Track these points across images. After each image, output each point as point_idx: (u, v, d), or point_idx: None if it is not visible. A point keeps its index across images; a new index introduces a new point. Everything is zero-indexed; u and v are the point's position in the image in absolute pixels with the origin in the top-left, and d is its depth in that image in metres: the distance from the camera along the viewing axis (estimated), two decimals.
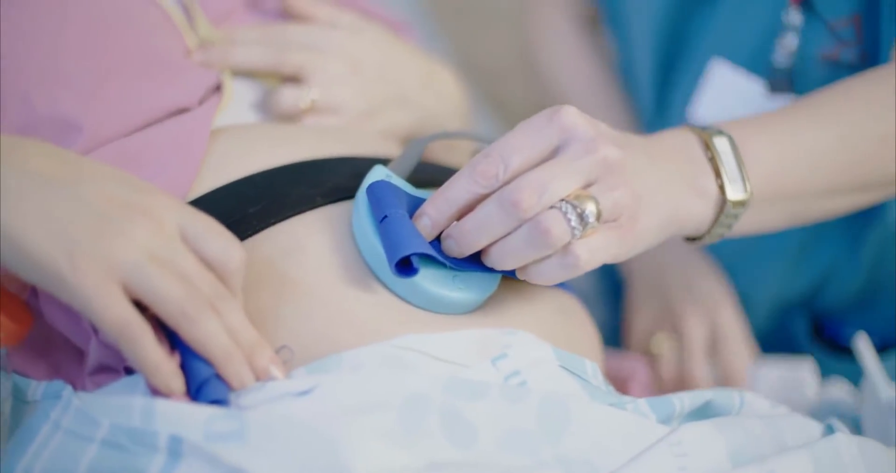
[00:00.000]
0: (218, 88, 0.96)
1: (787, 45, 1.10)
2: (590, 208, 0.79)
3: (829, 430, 0.87)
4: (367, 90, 1.04)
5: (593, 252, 0.80)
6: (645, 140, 0.88)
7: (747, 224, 0.92)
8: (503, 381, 0.80)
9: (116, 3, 0.93)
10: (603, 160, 0.80)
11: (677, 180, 0.86)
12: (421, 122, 1.09)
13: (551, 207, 0.78)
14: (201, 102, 0.93)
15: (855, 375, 1.19)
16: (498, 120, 1.75)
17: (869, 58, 1.08)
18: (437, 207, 0.82)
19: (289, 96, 1.00)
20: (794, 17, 1.09)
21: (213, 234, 0.76)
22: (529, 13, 1.42)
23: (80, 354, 0.80)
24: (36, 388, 0.78)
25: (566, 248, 0.79)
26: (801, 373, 1.14)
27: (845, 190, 0.96)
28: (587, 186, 0.80)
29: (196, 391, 0.74)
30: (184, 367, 0.75)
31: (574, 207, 0.78)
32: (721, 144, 0.88)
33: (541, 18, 1.40)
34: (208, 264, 0.76)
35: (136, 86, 0.89)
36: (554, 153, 0.81)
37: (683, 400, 0.85)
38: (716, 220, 0.89)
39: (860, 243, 1.19)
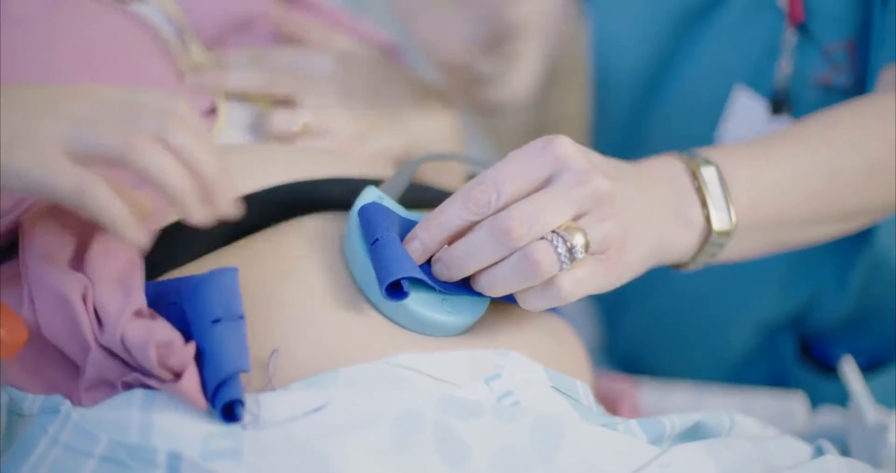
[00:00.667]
0: (212, 111, 0.97)
1: (784, 68, 1.11)
2: (579, 241, 0.79)
3: (819, 452, 0.88)
4: (359, 113, 1.04)
5: (578, 284, 0.80)
6: (634, 169, 0.88)
7: (731, 252, 0.92)
8: (496, 401, 0.81)
9: (110, 27, 0.94)
10: (594, 192, 0.81)
11: (664, 210, 0.87)
12: (412, 144, 1.09)
13: (541, 238, 0.79)
14: None
15: (842, 395, 1.20)
16: (488, 141, 1.75)
17: (862, 83, 1.09)
18: (429, 231, 0.82)
19: (281, 120, 1.00)
20: (791, 38, 1.10)
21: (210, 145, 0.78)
22: None
23: (75, 369, 0.80)
24: (33, 402, 0.78)
25: (552, 279, 0.80)
26: (790, 404, 1.15)
27: (830, 219, 0.97)
28: (577, 217, 0.81)
29: (214, 392, 0.74)
30: (202, 369, 0.75)
31: (564, 239, 0.79)
32: (708, 173, 0.89)
33: None
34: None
35: None
36: (546, 183, 0.81)
37: (674, 421, 0.85)
38: (700, 249, 0.90)
39: (848, 267, 1.20)
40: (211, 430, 0.73)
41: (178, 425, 0.73)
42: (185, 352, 0.75)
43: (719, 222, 0.88)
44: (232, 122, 1.00)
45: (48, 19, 0.91)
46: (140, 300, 0.79)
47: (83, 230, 0.83)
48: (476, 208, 0.80)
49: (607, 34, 1.25)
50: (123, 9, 0.96)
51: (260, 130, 1.01)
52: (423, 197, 0.95)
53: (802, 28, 1.09)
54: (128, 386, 0.77)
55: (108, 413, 0.75)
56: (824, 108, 0.99)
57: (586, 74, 1.75)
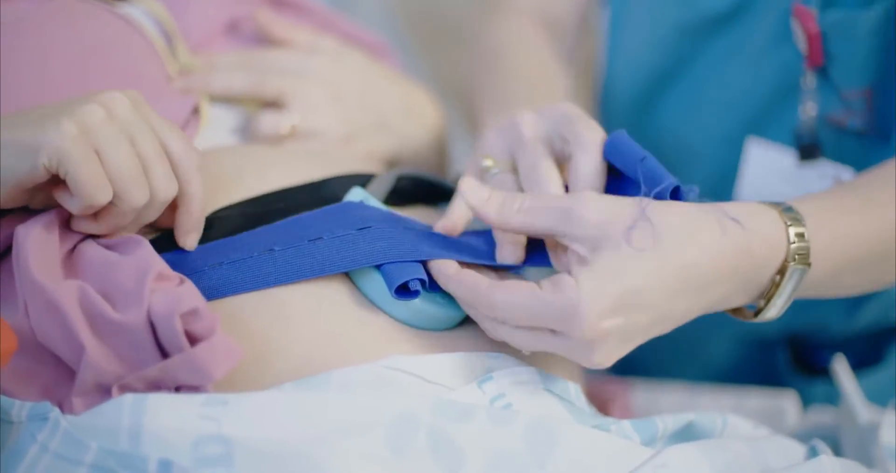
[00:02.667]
0: (196, 112, 0.97)
1: (809, 111, 1.10)
2: None
3: (813, 452, 0.88)
4: (347, 115, 1.04)
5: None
6: (722, 265, 0.80)
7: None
8: (489, 403, 0.81)
9: (99, 31, 0.94)
10: (589, 363, 0.80)
11: (718, 305, 0.83)
12: (399, 145, 1.09)
13: None
14: (184, 126, 0.94)
15: (830, 396, 1.20)
16: (473, 141, 1.75)
17: (876, 130, 1.08)
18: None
19: (269, 122, 1.00)
20: (811, 81, 1.09)
21: (178, 132, 0.82)
22: (493, 12, 1.33)
23: (71, 374, 0.79)
24: (21, 408, 0.77)
25: None
26: (781, 403, 1.15)
27: (874, 281, 0.95)
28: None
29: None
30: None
31: None
32: (794, 275, 0.83)
33: (504, 16, 1.31)
34: (169, 155, 0.82)
35: None
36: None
37: (667, 421, 0.85)
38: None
39: (862, 299, 1.21)
40: (200, 434, 0.73)
41: (169, 430, 0.73)
42: (211, 318, 0.76)
43: (770, 314, 0.85)
44: (218, 124, 1.00)
45: (37, 22, 0.91)
46: (158, 263, 0.79)
47: (73, 234, 0.83)
48: (473, 309, 0.82)
49: (621, 45, 1.25)
50: (112, 11, 0.95)
51: (248, 133, 1.01)
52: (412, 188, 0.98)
53: (821, 71, 1.08)
54: (124, 389, 0.76)
55: (97, 420, 0.74)
56: (840, 149, 1.01)
57: (582, 77, 1.75)
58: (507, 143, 0.92)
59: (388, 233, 0.85)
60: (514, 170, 0.90)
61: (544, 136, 0.90)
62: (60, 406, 0.78)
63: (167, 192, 0.82)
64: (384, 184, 0.96)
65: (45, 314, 0.77)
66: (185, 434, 0.73)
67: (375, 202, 0.90)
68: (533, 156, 0.88)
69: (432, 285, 0.84)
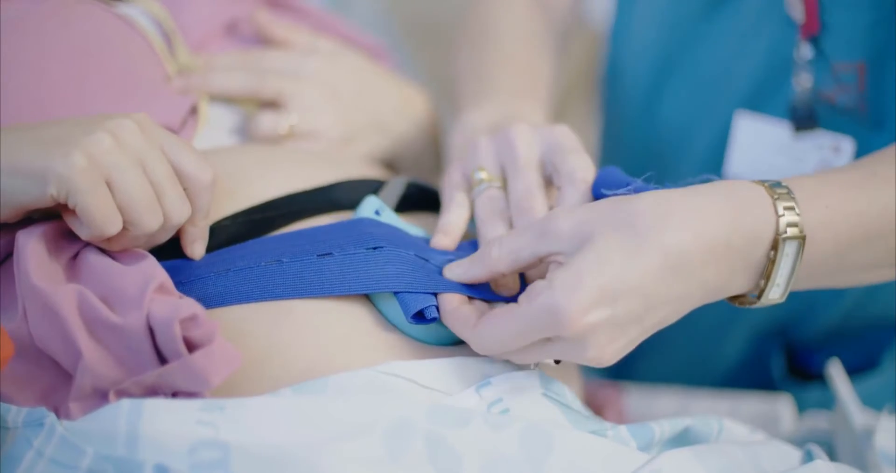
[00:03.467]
0: (194, 113, 0.97)
1: (803, 82, 1.10)
2: None
3: (808, 457, 0.88)
4: (345, 116, 1.04)
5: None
6: (711, 249, 0.79)
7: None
8: (487, 409, 0.80)
9: (98, 31, 0.93)
10: (585, 360, 0.79)
11: (717, 290, 0.81)
12: (395, 146, 1.10)
13: None
14: (183, 126, 0.94)
15: (824, 401, 1.20)
16: (452, 126, 1.75)
17: (868, 108, 1.08)
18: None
19: (268, 122, 1.00)
20: (805, 52, 1.09)
21: (190, 150, 0.82)
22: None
23: (69, 379, 0.79)
24: (17, 414, 0.77)
25: None
26: (776, 407, 1.14)
27: (882, 266, 0.90)
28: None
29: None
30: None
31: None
32: (789, 248, 0.81)
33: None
34: (181, 176, 0.82)
35: (118, 110, 0.89)
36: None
37: (663, 426, 0.85)
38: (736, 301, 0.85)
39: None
40: (196, 440, 0.73)
41: (165, 435, 0.73)
42: (210, 325, 0.75)
43: (773, 295, 0.83)
44: (216, 124, 1.00)
45: (35, 21, 0.91)
46: (161, 275, 0.79)
47: (76, 241, 0.83)
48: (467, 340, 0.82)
49: (624, 28, 1.25)
50: (110, 10, 0.95)
51: (246, 133, 1.01)
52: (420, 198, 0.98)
53: (814, 42, 1.08)
54: (121, 394, 0.76)
55: (93, 426, 0.74)
56: (831, 125, 1.00)
57: (578, 70, 1.75)
58: (500, 158, 0.92)
59: (400, 257, 0.84)
60: (504, 185, 0.91)
61: (537, 159, 0.90)
62: (57, 411, 0.77)
63: (181, 215, 0.82)
64: (395, 191, 0.96)
65: (42, 317, 0.77)
66: (182, 440, 0.72)
67: (390, 213, 0.91)
68: (526, 182, 0.89)
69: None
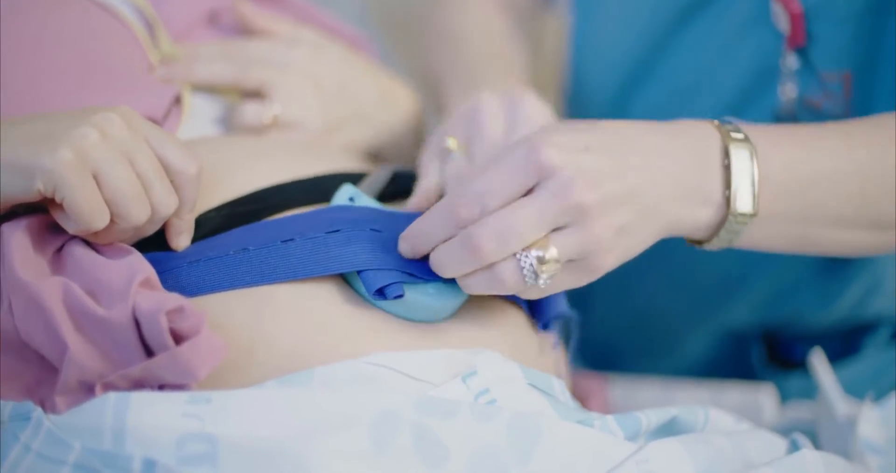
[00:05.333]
0: (177, 103, 0.96)
1: (789, 92, 1.10)
2: (551, 256, 0.79)
3: (794, 446, 0.88)
4: (328, 106, 1.04)
5: (545, 289, 0.82)
6: (655, 135, 0.84)
7: (753, 238, 0.88)
8: (473, 399, 0.80)
9: (80, 20, 0.93)
10: (576, 207, 0.79)
11: (677, 186, 0.84)
12: (378, 136, 1.10)
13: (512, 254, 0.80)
14: (166, 116, 0.93)
15: (805, 389, 1.20)
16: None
17: (853, 116, 1.08)
18: (413, 242, 0.83)
19: (251, 112, 1.00)
20: (791, 62, 1.09)
21: (175, 143, 0.82)
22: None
23: (55, 372, 0.79)
24: (3, 408, 0.76)
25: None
26: (759, 397, 1.15)
27: (860, 224, 0.92)
28: (556, 229, 0.80)
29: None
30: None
31: (533, 259, 0.79)
32: (740, 154, 0.85)
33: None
34: (167, 169, 0.82)
35: (102, 101, 0.89)
36: (530, 191, 0.80)
37: (650, 417, 0.85)
38: (717, 229, 0.86)
39: (835, 294, 1.20)
40: (184, 432, 0.72)
41: (152, 428, 0.72)
42: (197, 317, 0.75)
43: (741, 204, 0.85)
44: (199, 114, 0.99)
45: (17, 11, 0.90)
46: (147, 269, 0.78)
47: (60, 234, 0.82)
48: (461, 223, 0.81)
49: (589, 33, 1.25)
50: (93, 0, 0.94)
51: (229, 123, 1.01)
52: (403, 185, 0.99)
53: (801, 52, 1.08)
54: (108, 388, 0.76)
55: (80, 419, 0.74)
56: None
57: (548, 72, 1.74)
58: (467, 129, 0.96)
59: (358, 237, 0.85)
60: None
61: (500, 132, 0.95)
62: (43, 405, 0.77)
63: (168, 207, 0.82)
64: (379, 180, 0.96)
65: (27, 310, 0.77)
66: (169, 433, 0.72)
67: (366, 199, 0.91)
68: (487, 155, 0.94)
69: (425, 276, 0.84)
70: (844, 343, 1.25)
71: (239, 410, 0.74)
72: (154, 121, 0.91)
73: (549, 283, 0.80)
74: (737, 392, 1.18)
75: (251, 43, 1.03)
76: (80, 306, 0.76)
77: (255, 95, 1.02)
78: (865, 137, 0.91)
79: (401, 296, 0.82)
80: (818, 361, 1.08)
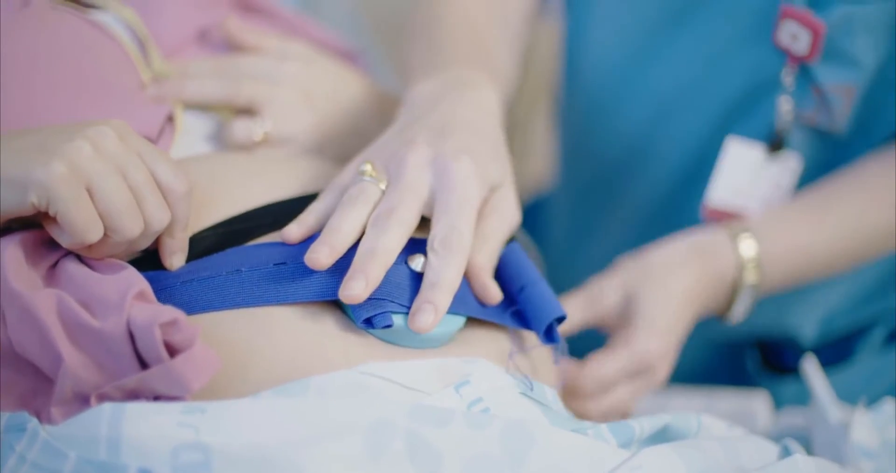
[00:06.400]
0: (170, 120, 0.96)
1: (786, 106, 1.12)
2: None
3: (786, 452, 0.88)
4: (319, 121, 1.04)
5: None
6: (685, 286, 1.07)
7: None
8: (466, 408, 0.81)
9: (73, 38, 0.93)
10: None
11: (699, 311, 1.10)
12: None
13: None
14: (159, 134, 0.93)
15: (798, 395, 1.20)
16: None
17: (849, 130, 1.10)
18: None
19: (242, 128, 1.00)
20: (791, 78, 1.10)
21: (166, 160, 0.82)
22: None
23: (49, 384, 0.79)
24: None
25: None
26: (752, 403, 1.15)
27: (851, 264, 1.15)
28: None
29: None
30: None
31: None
32: (746, 293, 1.09)
33: None
34: (158, 186, 0.82)
35: (95, 118, 0.89)
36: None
37: (643, 424, 0.86)
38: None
39: (833, 317, 1.27)
40: (178, 443, 0.73)
41: (147, 438, 0.73)
42: (191, 330, 0.75)
43: (737, 314, 1.12)
44: (192, 131, 0.99)
45: (9, 30, 0.90)
46: (142, 283, 0.79)
47: (55, 250, 0.82)
48: None
49: (580, 39, 1.25)
50: (84, 18, 0.95)
51: (221, 140, 1.01)
52: None
53: (803, 67, 1.09)
54: (103, 399, 0.76)
55: (75, 430, 0.74)
56: (809, 146, 1.10)
57: (542, 79, 1.75)
58: (387, 166, 0.89)
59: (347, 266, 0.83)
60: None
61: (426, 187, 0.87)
62: (39, 416, 0.77)
63: (161, 222, 0.82)
64: None
65: (21, 322, 0.77)
66: (164, 443, 0.72)
67: None
68: (401, 198, 0.86)
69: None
70: (837, 350, 1.25)
71: (234, 419, 0.74)
72: (148, 139, 0.91)
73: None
74: (731, 399, 1.19)
75: (242, 59, 1.03)
76: (74, 317, 0.76)
77: (247, 111, 1.02)
78: (851, 205, 1.09)
79: (389, 326, 0.82)
80: (811, 367, 1.08)
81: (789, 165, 1.13)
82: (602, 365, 1.04)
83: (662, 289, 1.06)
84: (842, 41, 1.06)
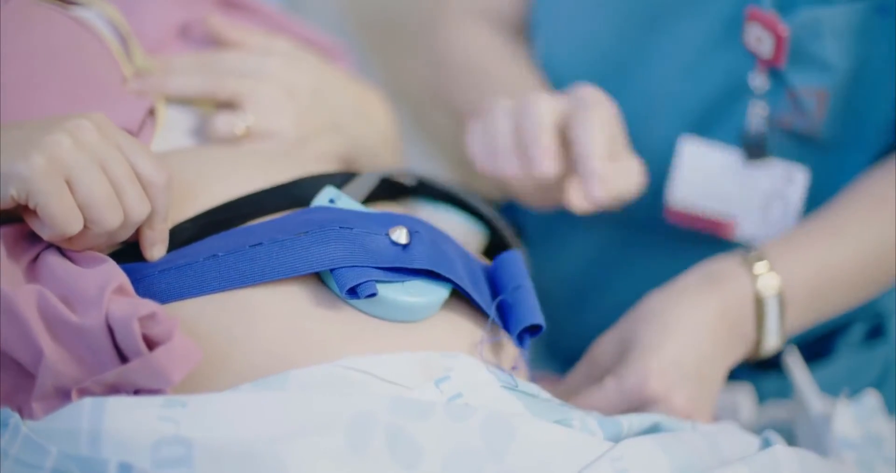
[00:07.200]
0: (152, 115, 0.97)
1: (760, 111, 1.12)
2: None
3: (766, 443, 0.89)
4: (302, 116, 1.04)
5: None
6: (708, 331, 1.01)
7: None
8: (446, 402, 0.81)
9: (54, 34, 0.93)
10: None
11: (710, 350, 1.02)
12: (352, 147, 1.10)
13: None
14: (140, 129, 0.94)
15: (782, 389, 1.21)
16: (425, 145, 1.75)
17: (824, 134, 1.10)
18: None
19: (224, 123, 1.00)
20: (762, 81, 1.10)
21: (145, 152, 0.83)
22: (441, 18, 1.35)
23: (31, 379, 0.79)
24: None
25: None
26: (736, 397, 1.15)
27: (865, 295, 1.12)
28: None
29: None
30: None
31: None
32: (772, 305, 1.02)
33: (454, 21, 1.33)
34: (138, 177, 0.82)
35: (76, 112, 0.89)
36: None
37: (632, 420, 0.86)
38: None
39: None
40: (160, 436, 0.73)
41: (128, 433, 0.73)
42: (169, 322, 0.76)
43: (768, 345, 1.05)
44: (174, 126, 0.99)
45: None
46: (120, 277, 0.79)
47: (35, 244, 0.83)
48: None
49: (554, 51, 1.25)
50: (66, 13, 0.95)
51: (203, 134, 1.01)
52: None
53: (774, 71, 1.09)
54: (83, 393, 0.76)
55: (57, 425, 0.74)
56: (786, 150, 1.09)
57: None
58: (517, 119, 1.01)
59: (327, 237, 0.85)
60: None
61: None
62: (20, 412, 0.78)
63: (141, 214, 0.82)
64: (365, 183, 0.96)
65: (2, 318, 0.77)
66: (145, 437, 0.73)
67: (347, 200, 0.91)
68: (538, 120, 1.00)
69: (407, 273, 0.84)
70: (816, 346, 1.26)
71: (214, 413, 0.75)
72: (129, 133, 0.92)
73: None
74: None
75: (225, 54, 1.03)
76: (54, 313, 0.77)
77: (229, 105, 1.02)
78: (861, 224, 1.07)
79: (374, 295, 0.83)
80: (793, 360, 1.08)
81: (777, 172, 1.13)
82: (586, 398, 0.98)
83: (659, 323, 1.00)
84: (809, 44, 1.06)
